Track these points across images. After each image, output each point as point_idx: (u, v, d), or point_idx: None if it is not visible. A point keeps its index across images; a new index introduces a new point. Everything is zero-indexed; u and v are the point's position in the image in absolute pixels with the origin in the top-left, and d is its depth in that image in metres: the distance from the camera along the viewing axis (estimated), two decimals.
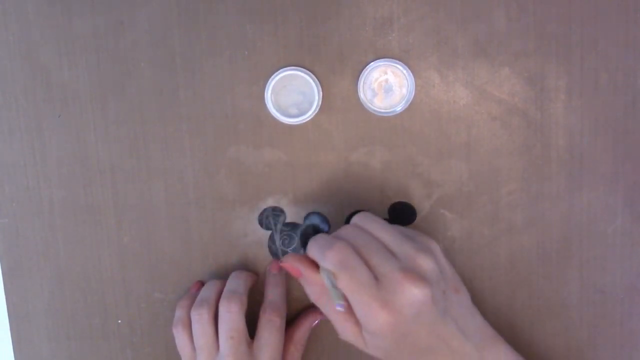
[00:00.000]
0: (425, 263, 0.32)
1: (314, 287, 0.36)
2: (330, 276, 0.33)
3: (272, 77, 0.40)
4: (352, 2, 0.40)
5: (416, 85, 0.40)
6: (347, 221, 0.41)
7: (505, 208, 0.41)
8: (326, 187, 0.42)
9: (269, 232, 0.42)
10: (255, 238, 0.42)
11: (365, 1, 0.40)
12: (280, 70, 0.40)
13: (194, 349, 0.39)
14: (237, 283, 0.40)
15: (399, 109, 0.40)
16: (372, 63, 0.40)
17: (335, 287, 0.32)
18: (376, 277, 0.32)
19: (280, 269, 0.42)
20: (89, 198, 0.42)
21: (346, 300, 0.33)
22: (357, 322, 0.34)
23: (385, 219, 0.42)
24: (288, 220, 0.42)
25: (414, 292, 0.31)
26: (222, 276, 0.43)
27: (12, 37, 0.41)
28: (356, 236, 0.34)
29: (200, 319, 0.39)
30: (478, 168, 0.41)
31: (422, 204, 0.42)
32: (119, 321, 0.43)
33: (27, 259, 0.43)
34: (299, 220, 0.42)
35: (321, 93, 0.41)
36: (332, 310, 0.34)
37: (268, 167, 0.42)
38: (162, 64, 0.41)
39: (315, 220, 0.42)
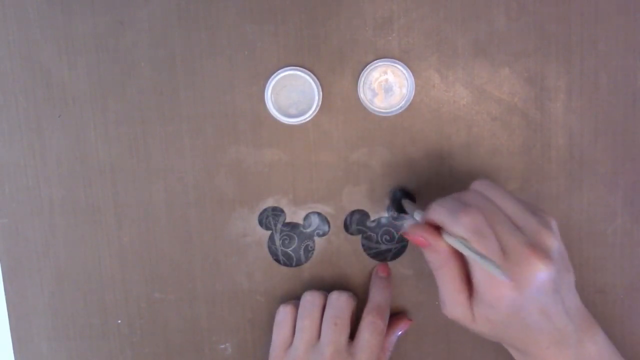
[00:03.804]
0: (550, 240, 0.32)
1: (439, 255, 0.34)
2: (465, 243, 0.31)
3: (272, 77, 0.40)
4: (352, 2, 0.40)
5: (416, 85, 0.40)
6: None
7: None
8: (326, 187, 0.42)
9: (269, 232, 0.42)
10: (255, 238, 0.42)
11: (365, 1, 0.40)
12: (280, 70, 0.40)
13: (292, 331, 0.39)
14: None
15: (399, 109, 0.40)
16: (372, 63, 0.40)
17: (482, 255, 0.31)
18: (502, 249, 0.32)
19: (389, 272, 0.42)
20: (89, 198, 0.42)
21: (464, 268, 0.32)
22: (470, 295, 0.33)
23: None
24: (288, 220, 0.42)
25: (540, 268, 0.31)
26: (221, 275, 0.43)
27: (12, 37, 0.41)
28: (482, 203, 0.33)
29: (312, 299, 0.39)
30: (478, 168, 0.41)
31: (422, 204, 0.42)
32: (119, 321, 0.43)
33: (27, 259, 0.43)
34: (299, 221, 0.42)
35: (321, 93, 0.41)
36: (449, 280, 0.33)
37: (268, 167, 0.42)
38: (162, 64, 0.41)
39: (316, 220, 0.42)
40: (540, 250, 0.31)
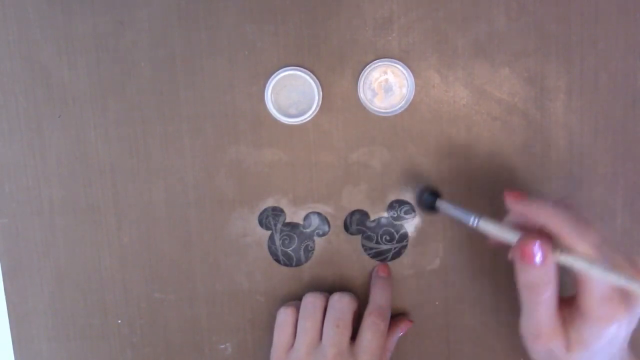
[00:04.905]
0: None
1: (546, 273, 0.30)
2: (591, 260, 0.28)
3: (272, 77, 0.41)
4: (352, 2, 0.40)
5: (416, 85, 0.40)
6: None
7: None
8: (326, 187, 0.42)
9: (269, 232, 0.42)
10: (255, 238, 0.42)
11: (365, 1, 0.40)
12: (280, 70, 0.41)
13: (294, 332, 0.39)
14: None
15: (399, 109, 0.40)
16: (372, 63, 0.40)
17: (619, 273, 0.28)
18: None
19: (389, 273, 0.42)
20: (89, 198, 0.42)
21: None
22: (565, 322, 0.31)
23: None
24: (288, 220, 0.42)
25: None
26: (221, 275, 0.43)
27: (12, 37, 0.41)
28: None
29: (314, 301, 0.39)
30: (478, 168, 0.41)
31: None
32: (119, 321, 0.43)
33: (27, 259, 0.43)
34: (299, 221, 0.42)
35: (321, 93, 0.41)
36: (549, 304, 0.30)
37: (268, 167, 0.42)
38: (162, 64, 0.41)
39: (316, 220, 0.42)
40: None
